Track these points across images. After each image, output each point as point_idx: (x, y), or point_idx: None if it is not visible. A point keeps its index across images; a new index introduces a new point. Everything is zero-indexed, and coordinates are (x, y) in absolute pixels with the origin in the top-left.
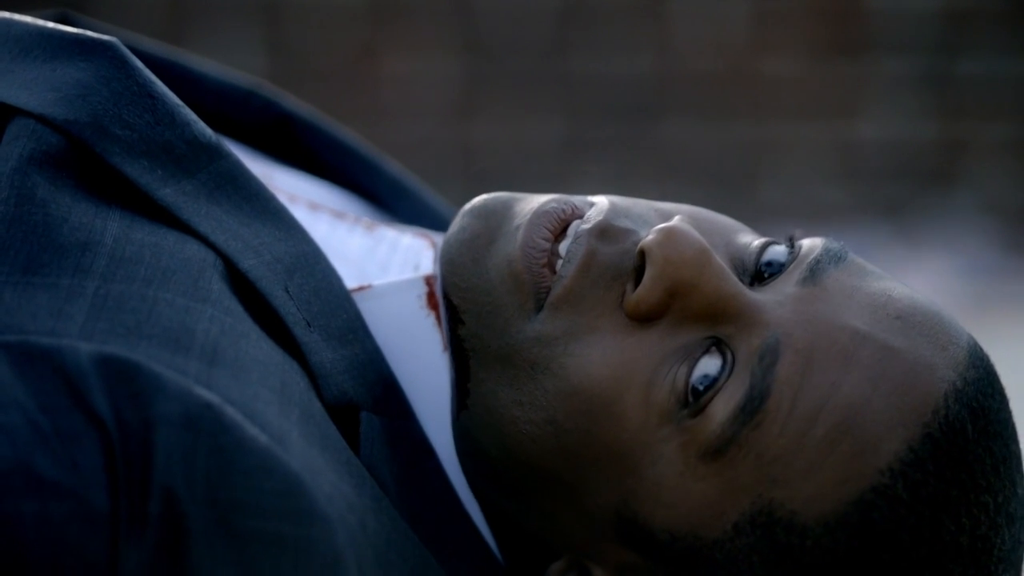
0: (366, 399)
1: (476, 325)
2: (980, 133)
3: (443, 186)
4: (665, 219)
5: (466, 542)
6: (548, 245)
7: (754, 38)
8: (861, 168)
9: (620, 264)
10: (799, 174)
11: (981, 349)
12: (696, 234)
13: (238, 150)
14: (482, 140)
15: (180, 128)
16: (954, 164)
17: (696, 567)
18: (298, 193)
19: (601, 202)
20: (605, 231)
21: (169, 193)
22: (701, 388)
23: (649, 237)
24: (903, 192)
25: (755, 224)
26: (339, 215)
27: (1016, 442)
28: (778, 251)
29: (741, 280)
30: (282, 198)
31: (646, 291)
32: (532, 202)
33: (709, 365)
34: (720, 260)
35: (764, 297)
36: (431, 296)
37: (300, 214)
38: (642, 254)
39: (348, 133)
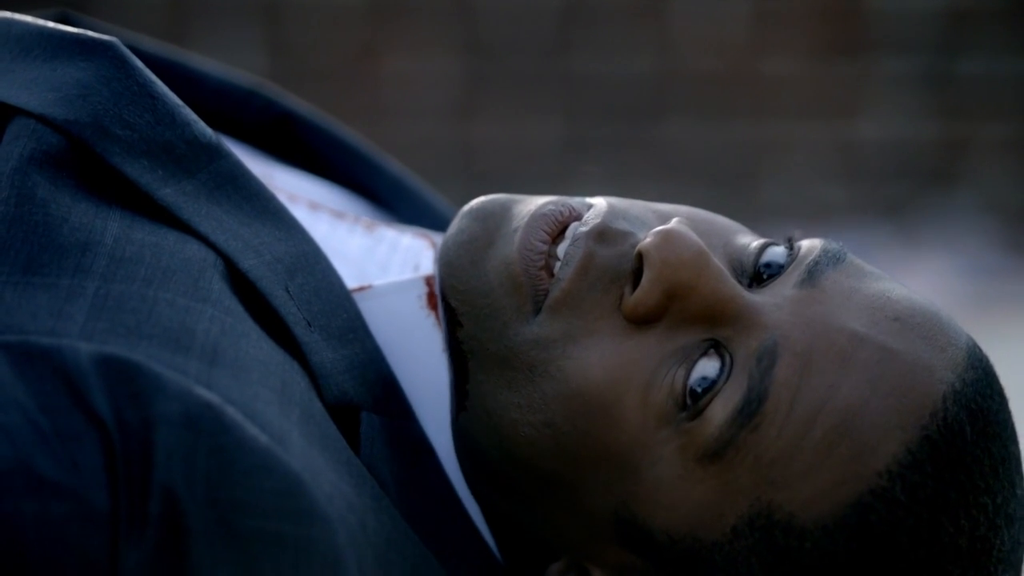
0: (366, 399)
1: (474, 327)
2: (980, 133)
3: (443, 186)
4: (663, 221)
5: (466, 542)
6: (546, 248)
7: (755, 38)
8: (861, 168)
9: (618, 267)
10: (799, 174)
11: (980, 350)
12: (694, 236)
13: (238, 149)
14: (482, 140)
15: (180, 128)
16: (955, 164)
17: (695, 569)
18: (298, 193)
19: (599, 204)
20: (603, 233)
21: (169, 193)
22: (699, 390)
23: (647, 240)
24: (904, 192)
25: (755, 224)
26: (339, 215)
27: (1015, 443)
28: (777, 252)
29: (739, 282)
30: (282, 198)
31: (644, 293)
32: (530, 204)
33: (707, 367)
34: (718, 262)
35: (762, 299)
36: (431, 296)
37: (300, 214)
38: (640, 257)
39: (349, 132)
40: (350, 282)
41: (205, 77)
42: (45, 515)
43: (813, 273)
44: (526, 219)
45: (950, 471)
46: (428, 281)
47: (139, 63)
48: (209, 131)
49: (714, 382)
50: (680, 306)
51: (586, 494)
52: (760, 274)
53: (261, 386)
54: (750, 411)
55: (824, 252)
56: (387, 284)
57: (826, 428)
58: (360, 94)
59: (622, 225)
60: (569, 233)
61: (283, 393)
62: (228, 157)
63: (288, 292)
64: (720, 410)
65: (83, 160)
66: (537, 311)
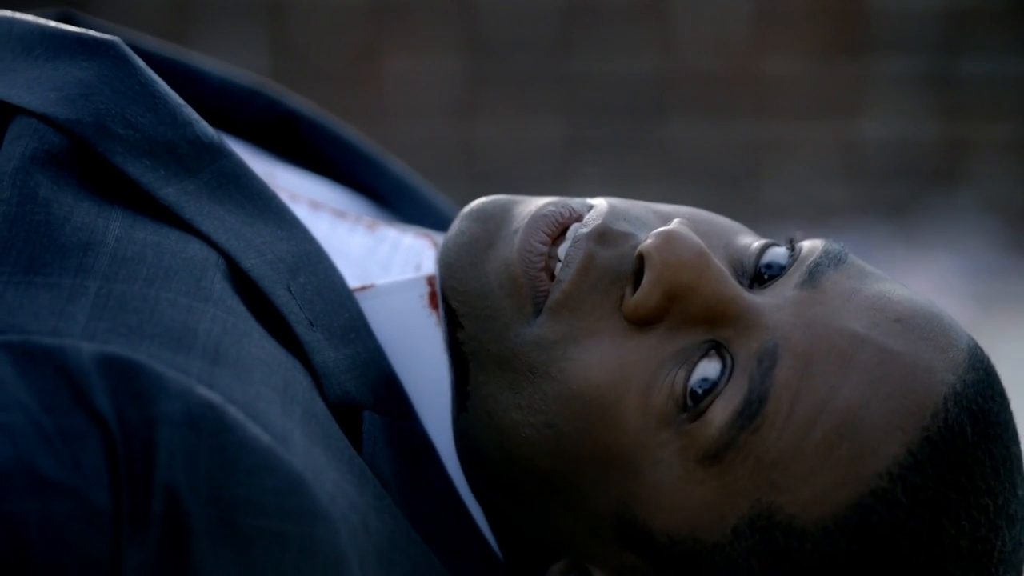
0: (368, 398)
1: (475, 329)
2: (982, 133)
3: (445, 185)
4: (664, 222)
5: (468, 541)
6: (545, 249)
7: (756, 38)
8: (863, 168)
9: (619, 268)
10: (801, 174)
11: (981, 351)
12: (695, 237)
13: (240, 148)
14: (484, 139)
15: (182, 127)
16: (956, 164)
17: (695, 570)
18: (300, 192)
19: (600, 205)
20: (604, 235)
21: (171, 192)
22: (700, 392)
23: (648, 241)
24: (905, 192)
25: (757, 224)
26: (340, 214)
27: (1016, 444)
28: (778, 253)
29: (740, 282)
30: (284, 197)
31: (644, 295)
32: (530, 205)
33: (708, 369)
34: (719, 263)
35: (763, 300)
36: (433, 296)
37: (301, 213)
38: (641, 258)
39: (351, 131)
40: (352, 281)
41: (207, 76)
42: (47, 515)
43: (814, 274)
44: (526, 220)
45: (951, 472)
46: (430, 281)
47: (141, 62)
48: (211, 130)
49: (715, 383)
50: (681, 307)
51: (587, 495)
52: (761, 275)
53: (263, 385)
54: (751, 412)
55: (825, 253)
56: (389, 283)
57: (827, 429)
58: (361, 94)
59: (623, 226)
60: (570, 234)
61: (285, 392)
62: (230, 156)
63: (290, 291)
64: (721, 411)
65: (85, 160)
66: (537, 312)
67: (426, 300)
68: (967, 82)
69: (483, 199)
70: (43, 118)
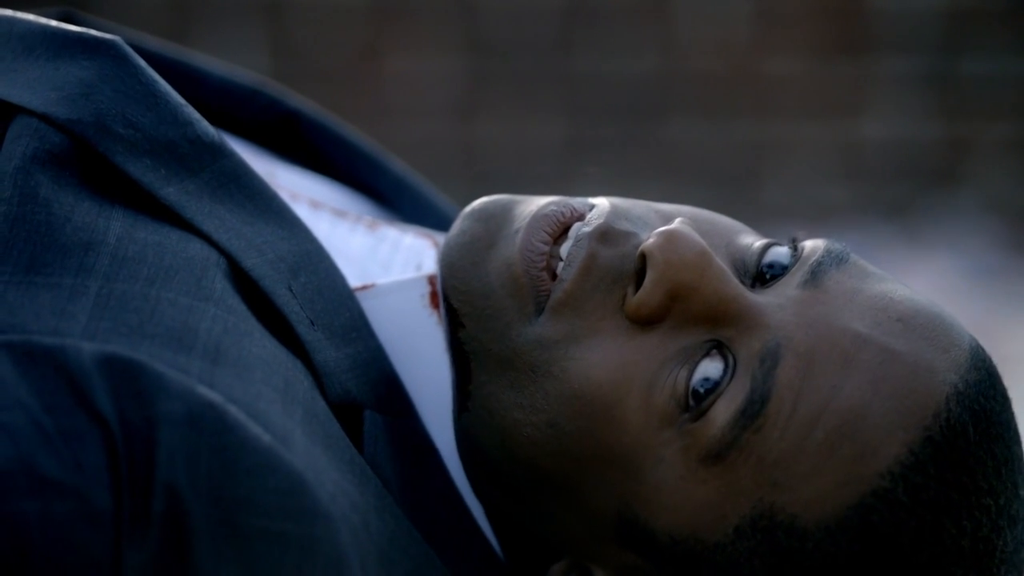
0: (369, 398)
1: (476, 328)
2: (984, 133)
3: (446, 185)
4: (666, 221)
5: (469, 541)
6: (547, 248)
7: (757, 38)
8: (864, 168)
9: (621, 267)
10: (802, 174)
11: (983, 351)
12: (697, 237)
13: (241, 148)
14: (485, 139)
15: (183, 127)
16: (958, 164)
17: (697, 570)
18: (300, 191)
19: (602, 204)
20: (606, 234)
21: (172, 192)
22: (702, 391)
23: (650, 240)
24: (906, 192)
25: (758, 224)
26: (340, 214)
27: (1018, 444)
28: (780, 252)
29: (742, 282)
30: (284, 196)
31: (647, 294)
32: (531, 205)
33: (710, 368)
34: (721, 262)
35: (765, 299)
36: (434, 295)
37: (302, 212)
38: (643, 257)
39: (352, 131)
40: (352, 281)
41: (208, 75)
42: (48, 515)
43: (816, 274)
44: (527, 220)
45: (953, 472)
46: (431, 280)
47: (142, 62)
48: (212, 130)
49: (717, 383)
50: (683, 307)
51: (588, 494)
52: (763, 274)
53: (264, 385)
54: (753, 412)
55: (827, 253)
56: (390, 283)
57: (828, 429)
58: (362, 94)
59: (625, 225)
60: (572, 233)
61: (286, 392)
62: (231, 156)
63: (291, 291)
64: (723, 411)
65: (86, 159)
66: (539, 312)
67: (427, 300)
68: (968, 82)
69: (485, 199)
70: (44, 118)
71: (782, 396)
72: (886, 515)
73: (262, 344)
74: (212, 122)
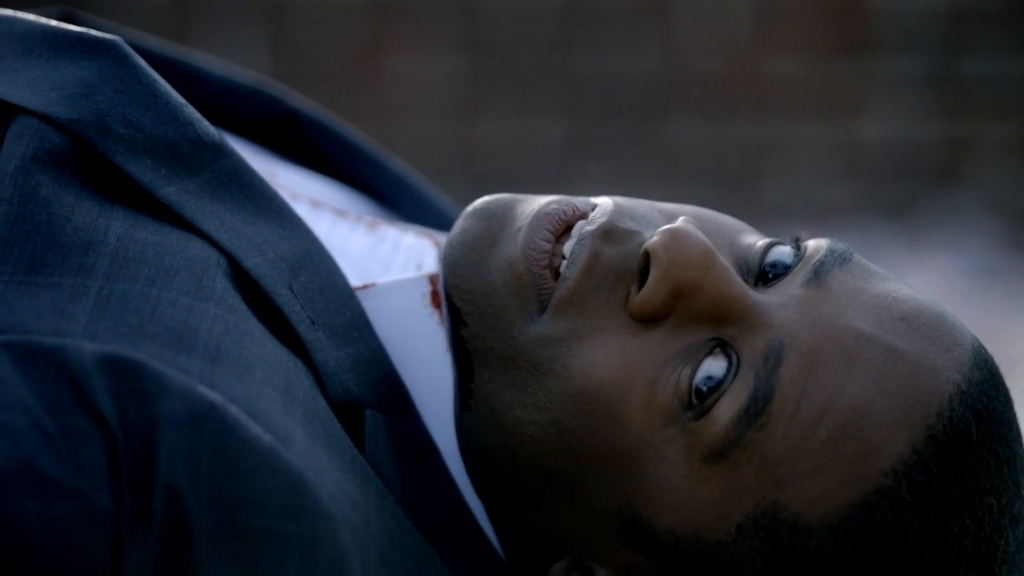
0: (370, 397)
1: (479, 327)
2: (984, 133)
3: (447, 185)
4: (669, 220)
5: (469, 540)
6: (549, 246)
7: (758, 37)
8: (865, 168)
9: (624, 265)
10: (803, 174)
11: (985, 351)
12: (701, 235)
13: (242, 147)
14: (486, 139)
15: (183, 127)
16: (958, 164)
17: (699, 568)
18: (300, 191)
19: (605, 203)
20: (609, 232)
21: (172, 192)
22: (705, 389)
23: (654, 238)
24: (907, 192)
25: (759, 224)
26: (341, 213)
27: (1020, 444)
28: (783, 252)
29: (745, 281)
30: (285, 196)
31: (650, 292)
32: (534, 203)
33: (713, 366)
34: (724, 261)
35: (768, 298)
36: (435, 295)
37: (302, 212)
38: (647, 255)
39: (353, 131)
40: (352, 280)
41: (209, 75)
42: (49, 515)
43: (819, 273)
44: (529, 218)
45: (956, 471)
46: (432, 279)
47: (142, 62)
48: (212, 130)
49: (720, 381)
50: (686, 305)
51: (590, 493)
52: (766, 273)
53: (264, 385)
54: (756, 410)
55: (831, 252)
56: (391, 282)
57: (832, 428)
58: (363, 94)
59: (628, 224)
60: (575, 232)
61: (287, 392)
62: (231, 156)
63: (292, 290)
64: (726, 409)
65: (86, 159)
66: (542, 310)
67: (428, 299)
68: (968, 82)
69: (487, 197)
70: (44, 118)
71: (785, 394)
72: (889, 514)
73: (263, 344)
74: (212, 122)
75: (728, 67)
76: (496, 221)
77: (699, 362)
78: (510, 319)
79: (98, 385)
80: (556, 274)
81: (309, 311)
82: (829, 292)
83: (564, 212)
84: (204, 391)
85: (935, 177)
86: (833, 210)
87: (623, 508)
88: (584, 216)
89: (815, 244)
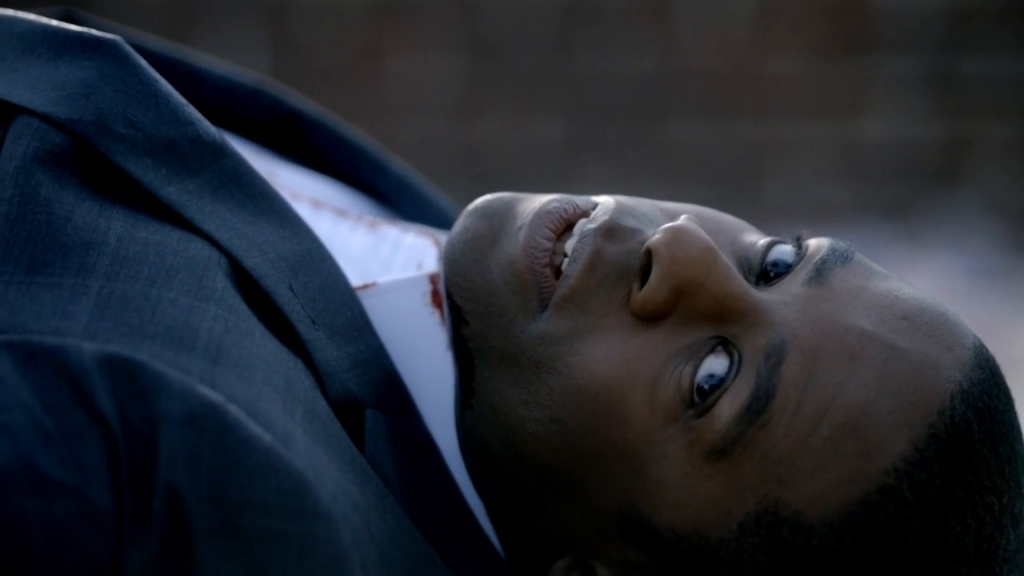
0: (371, 396)
1: (480, 325)
2: (985, 132)
3: (447, 185)
4: (671, 218)
5: (470, 539)
6: (550, 245)
7: (758, 37)
8: (865, 167)
9: (626, 263)
10: (803, 173)
11: (987, 350)
12: (703, 233)
13: (242, 147)
14: (486, 139)
15: (184, 127)
16: (959, 164)
17: (701, 566)
18: (301, 191)
19: (607, 201)
20: (611, 230)
21: (173, 192)
22: (706, 387)
23: (656, 236)
24: (907, 192)
25: (759, 223)
26: (341, 213)
27: (1021, 443)
28: (784, 251)
29: (747, 279)
30: (285, 195)
31: (652, 290)
32: (535, 202)
33: (715, 364)
34: (726, 259)
35: (770, 297)
36: (435, 294)
37: (303, 212)
38: (648, 253)
39: (353, 130)
40: (353, 280)
41: (209, 75)
42: (49, 515)
43: (821, 271)
44: (530, 217)
45: (957, 470)
46: (432, 279)
47: (143, 61)
48: (213, 129)
49: (722, 379)
50: (688, 303)
51: (592, 491)
52: (767, 272)
53: (265, 385)
54: (758, 408)
55: (832, 251)
56: (391, 282)
57: (834, 426)
58: (363, 94)
59: (630, 222)
60: (577, 230)
61: (287, 391)
62: (232, 155)
63: (292, 290)
64: (728, 407)
65: (86, 159)
66: (543, 308)
67: (428, 298)
68: (969, 82)
69: (488, 196)
70: (44, 117)
71: (787, 392)
72: (891, 512)
73: (263, 344)
74: (213, 121)
75: (728, 67)
76: (497, 220)
77: (701, 360)
78: (511, 317)
79: (98, 385)
80: (557, 272)
81: (309, 311)
82: (831, 291)
83: (565, 210)
84: (204, 391)
85: (935, 177)
86: (833, 210)
87: (624, 506)
88: (585, 214)
89: (816, 243)
